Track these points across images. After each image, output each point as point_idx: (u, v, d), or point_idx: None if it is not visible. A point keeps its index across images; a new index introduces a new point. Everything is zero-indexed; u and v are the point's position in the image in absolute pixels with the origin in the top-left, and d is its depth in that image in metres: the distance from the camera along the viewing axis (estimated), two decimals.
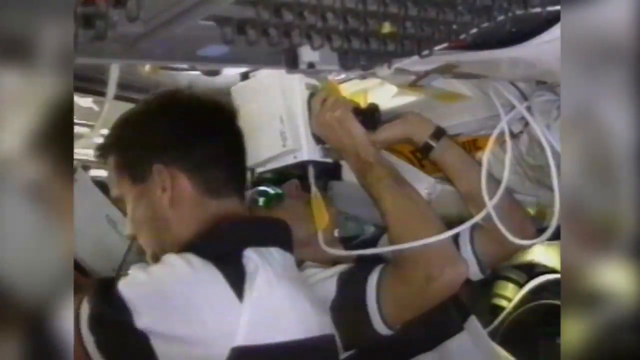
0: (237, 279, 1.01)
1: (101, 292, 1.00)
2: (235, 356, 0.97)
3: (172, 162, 1.11)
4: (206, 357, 0.98)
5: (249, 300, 1.00)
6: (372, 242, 1.50)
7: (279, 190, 1.46)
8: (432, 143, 1.35)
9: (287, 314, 1.06)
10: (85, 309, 0.98)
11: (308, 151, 1.33)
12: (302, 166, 1.35)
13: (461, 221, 1.42)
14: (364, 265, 1.33)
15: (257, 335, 1.00)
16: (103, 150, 1.18)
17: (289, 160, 1.34)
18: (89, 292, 1.00)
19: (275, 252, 1.10)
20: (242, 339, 0.98)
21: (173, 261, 1.01)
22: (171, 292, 0.99)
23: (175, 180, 1.11)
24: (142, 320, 0.95)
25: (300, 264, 1.38)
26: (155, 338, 0.95)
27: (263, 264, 1.05)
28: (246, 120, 1.38)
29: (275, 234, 1.16)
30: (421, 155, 1.46)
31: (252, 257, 1.04)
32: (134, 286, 0.98)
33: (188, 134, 1.14)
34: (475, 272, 1.43)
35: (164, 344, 0.96)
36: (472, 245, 1.41)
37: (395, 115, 1.38)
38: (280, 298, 1.06)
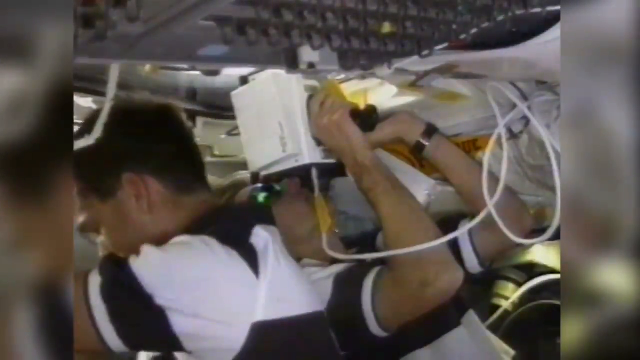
0: (251, 256, 1.03)
1: (114, 267, 0.98)
2: (256, 332, 0.99)
3: (139, 168, 1.11)
4: (226, 335, 0.99)
5: (264, 276, 1.02)
6: (371, 236, 1.50)
7: (278, 188, 1.46)
8: (424, 141, 1.35)
9: (295, 289, 1.09)
10: (96, 280, 0.96)
11: (309, 154, 1.34)
12: (305, 168, 1.36)
13: (460, 216, 1.42)
14: (360, 267, 1.33)
15: (274, 310, 1.03)
16: None
17: (291, 164, 1.35)
18: (100, 265, 0.99)
19: (274, 231, 1.12)
20: (262, 315, 1.01)
21: (188, 241, 1.01)
22: (189, 270, 0.99)
23: (147, 184, 1.11)
24: (160, 298, 0.95)
25: (298, 261, 1.39)
26: (173, 315, 0.96)
27: (272, 241, 1.07)
28: (246, 126, 1.39)
29: (271, 215, 1.17)
30: (414, 154, 1.47)
31: (261, 234, 1.07)
32: (149, 263, 0.98)
33: (146, 138, 1.14)
34: (474, 266, 1.43)
35: (184, 321, 0.96)
36: (470, 238, 1.41)
37: (387, 115, 1.38)
38: (288, 273, 1.08)
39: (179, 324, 0.96)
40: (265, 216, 1.14)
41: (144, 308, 0.95)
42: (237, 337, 0.99)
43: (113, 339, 0.96)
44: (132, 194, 1.11)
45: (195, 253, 1.01)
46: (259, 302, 1.01)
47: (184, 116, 1.22)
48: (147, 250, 0.99)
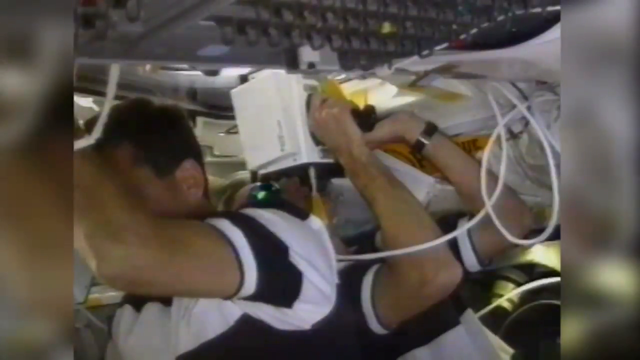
0: None
1: (246, 216, 1.07)
2: (338, 293, 1.11)
3: (195, 157, 1.20)
4: (327, 291, 1.09)
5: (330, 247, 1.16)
6: (370, 234, 1.51)
7: (276, 186, 1.46)
8: (424, 140, 1.35)
9: None
10: (230, 226, 1.02)
11: (307, 154, 1.34)
12: (303, 167, 1.36)
13: (459, 214, 1.42)
14: (359, 265, 1.33)
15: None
16: (114, 138, 1.13)
17: (289, 162, 1.35)
18: (227, 216, 1.06)
19: None
20: (336, 279, 1.14)
21: (276, 211, 1.10)
22: (296, 231, 1.09)
23: (200, 173, 1.20)
24: (291, 250, 1.04)
25: None
26: (299, 260, 1.05)
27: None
28: (245, 124, 1.39)
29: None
30: (414, 153, 1.47)
31: (315, 220, 1.17)
32: (271, 220, 1.06)
33: (191, 134, 1.25)
34: (473, 264, 1.43)
35: (308, 268, 1.05)
36: (469, 237, 1.41)
37: (387, 114, 1.39)
38: None
39: (304, 267, 1.05)
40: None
41: (281, 255, 1.04)
42: (332, 296, 1.09)
43: (250, 279, 1.00)
44: (187, 178, 1.17)
45: (291, 219, 1.10)
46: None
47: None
48: (259, 211, 1.08)
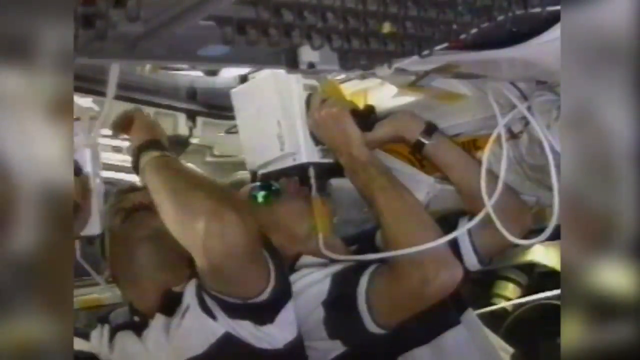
0: None
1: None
2: None
3: None
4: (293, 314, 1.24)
5: None
6: (370, 234, 1.51)
7: (276, 186, 1.46)
8: (424, 140, 1.35)
9: None
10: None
11: (306, 153, 1.34)
12: (303, 167, 1.36)
13: (460, 214, 1.42)
14: (357, 264, 1.33)
15: None
16: None
17: (289, 162, 1.35)
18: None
19: None
20: None
21: None
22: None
23: None
24: None
25: (297, 257, 1.39)
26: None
27: None
28: (245, 124, 1.39)
29: None
30: (414, 153, 1.47)
31: None
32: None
33: None
34: (473, 263, 1.42)
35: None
36: (470, 236, 1.41)
37: (387, 114, 1.38)
38: None
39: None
40: None
41: (282, 265, 1.20)
42: (295, 322, 1.22)
43: (271, 284, 1.13)
44: None
45: None
46: None
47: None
48: None
